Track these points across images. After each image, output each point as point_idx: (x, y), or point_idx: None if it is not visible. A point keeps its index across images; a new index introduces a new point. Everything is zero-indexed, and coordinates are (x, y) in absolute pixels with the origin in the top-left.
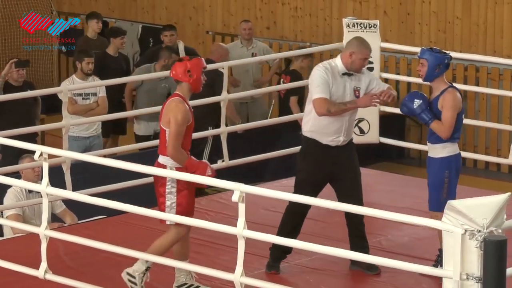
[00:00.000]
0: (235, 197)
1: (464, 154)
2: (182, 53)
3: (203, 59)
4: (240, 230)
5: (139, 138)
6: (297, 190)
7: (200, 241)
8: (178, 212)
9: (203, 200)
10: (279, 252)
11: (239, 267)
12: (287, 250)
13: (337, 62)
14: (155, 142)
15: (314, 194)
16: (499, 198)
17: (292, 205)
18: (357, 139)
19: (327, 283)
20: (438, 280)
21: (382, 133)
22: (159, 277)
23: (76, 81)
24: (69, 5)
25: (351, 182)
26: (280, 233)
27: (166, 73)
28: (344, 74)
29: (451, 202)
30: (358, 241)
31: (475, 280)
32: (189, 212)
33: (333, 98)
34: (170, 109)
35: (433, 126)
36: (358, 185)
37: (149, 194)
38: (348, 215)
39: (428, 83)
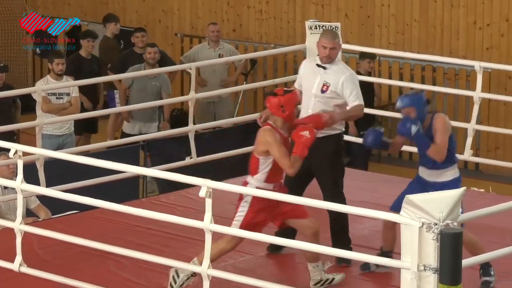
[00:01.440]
0: (202, 193)
1: (412, 149)
2: None
3: (298, 93)
4: (207, 224)
5: (124, 135)
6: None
7: (169, 234)
8: (241, 225)
9: (172, 195)
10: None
11: (206, 260)
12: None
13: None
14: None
15: (298, 184)
16: (455, 193)
17: None
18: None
19: (290, 274)
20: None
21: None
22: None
23: (50, 81)
24: (43, 8)
25: (321, 177)
26: None
27: (153, 71)
28: (318, 66)
29: (409, 197)
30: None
31: (432, 271)
32: (252, 228)
33: (303, 86)
34: (260, 141)
35: (432, 149)
36: (329, 180)
37: (119, 190)
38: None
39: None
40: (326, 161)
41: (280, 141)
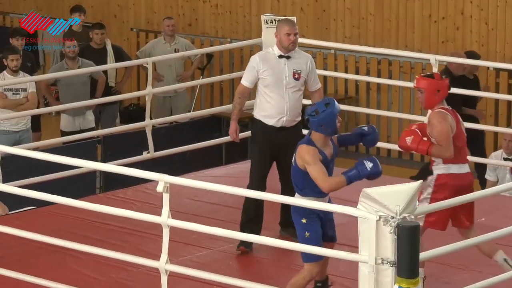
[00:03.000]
0: (159, 188)
1: (378, 144)
2: (110, 51)
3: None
4: (165, 219)
5: (65, 134)
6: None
7: (127, 229)
8: (426, 223)
9: (129, 190)
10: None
11: (164, 255)
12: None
13: (274, 47)
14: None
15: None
16: (412, 186)
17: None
18: None
19: (249, 268)
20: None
21: None
22: None
23: (7, 77)
24: None
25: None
26: (241, 220)
27: (83, 70)
28: (280, 57)
29: (366, 190)
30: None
31: (389, 264)
32: (438, 226)
33: (269, 81)
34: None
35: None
36: None
37: (76, 185)
38: (285, 192)
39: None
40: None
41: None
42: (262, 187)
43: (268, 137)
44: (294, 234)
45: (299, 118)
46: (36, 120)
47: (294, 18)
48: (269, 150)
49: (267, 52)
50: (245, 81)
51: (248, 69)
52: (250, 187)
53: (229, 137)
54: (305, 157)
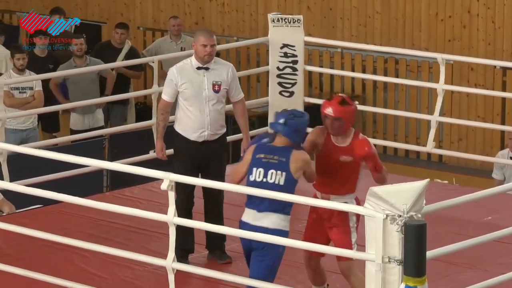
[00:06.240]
0: (164, 186)
1: (385, 142)
2: (124, 52)
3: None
4: (171, 217)
5: (74, 133)
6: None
7: (132, 228)
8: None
9: (136, 189)
10: (181, 251)
11: (171, 253)
12: (189, 249)
13: (192, 58)
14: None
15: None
16: (419, 184)
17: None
18: None
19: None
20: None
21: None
22: None
23: (13, 76)
24: (5, 2)
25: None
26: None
27: (88, 68)
28: (199, 68)
29: (373, 188)
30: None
31: (396, 262)
32: None
33: (188, 94)
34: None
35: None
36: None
37: (83, 184)
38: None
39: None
40: (222, 158)
41: None
42: (189, 204)
43: (190, 152)
44: (221, 257)
45: (223, 131)
46: (54, 120)
47: (300, 17)
48: (192, 166)
49: (184, 63)
50: (165, 96)
51: (166, 82)
52: (176, 204)
53: (236, 135)
54: (305, 157)
